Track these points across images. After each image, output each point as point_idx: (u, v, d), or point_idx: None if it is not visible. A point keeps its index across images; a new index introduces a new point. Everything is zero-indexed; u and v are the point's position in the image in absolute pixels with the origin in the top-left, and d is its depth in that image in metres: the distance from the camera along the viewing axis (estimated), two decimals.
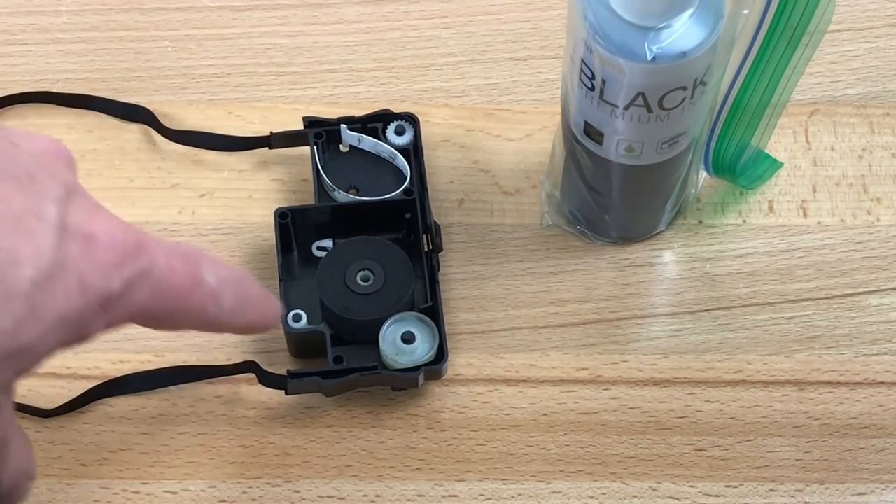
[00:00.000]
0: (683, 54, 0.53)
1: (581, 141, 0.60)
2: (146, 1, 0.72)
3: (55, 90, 0.69)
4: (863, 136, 0.68)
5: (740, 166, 0.63)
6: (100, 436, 0.61)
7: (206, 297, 0.45)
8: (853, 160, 0.68)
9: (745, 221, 0.66)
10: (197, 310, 0.45)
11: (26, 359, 0.40)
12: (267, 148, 0.66)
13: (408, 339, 0.59)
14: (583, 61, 0.56)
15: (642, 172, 0.60)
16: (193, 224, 0.66)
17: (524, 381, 0.62)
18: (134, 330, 0.62)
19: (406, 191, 0.64)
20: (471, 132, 0.68)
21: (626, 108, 0.56)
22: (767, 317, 0.63)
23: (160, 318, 0.44)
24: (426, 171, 0.64)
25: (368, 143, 0.65)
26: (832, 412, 0.61)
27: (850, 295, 0.64)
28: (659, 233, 0.66)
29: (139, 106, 0.68)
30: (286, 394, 0.59)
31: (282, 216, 0.62)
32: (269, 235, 0.64)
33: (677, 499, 0.59)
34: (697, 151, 0.62)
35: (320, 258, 0.62)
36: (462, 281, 0.64)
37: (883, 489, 0.60)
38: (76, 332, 0.41)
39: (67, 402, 0.61)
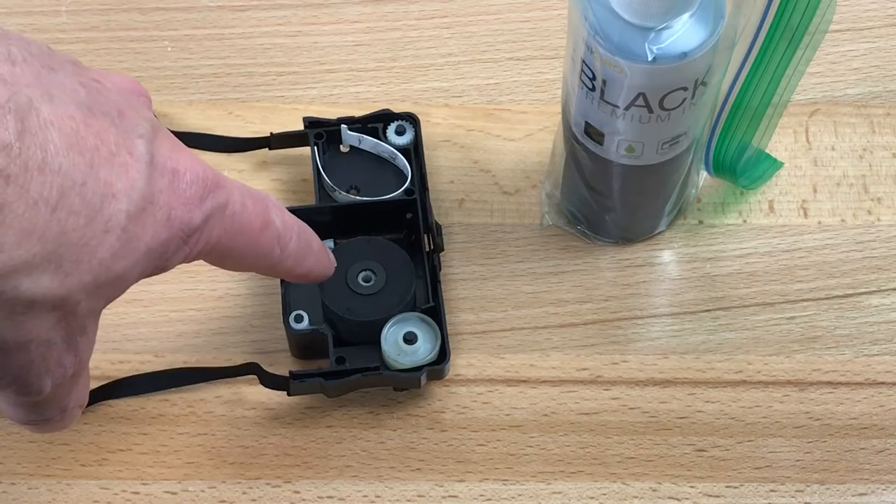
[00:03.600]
0: (684, 55, 0.53)
1: (581, 141, 0.60)
2: (146, 1, 0.72)
3: None
4: (863, 136, 0.68)
5: (741, 166, 0.63)
6: (99, 436, 0.61)
7: (272, 237, 0.48)
8: (854, 160, 0.68)
9: (745, 221, 0.66)
10: (264, 248, 0.48)
11: (117, 287, 0.43)
12: (267, 149, 0.66)
13: (410, 339, 0.59)
14: (583, 61, 0.56)
15: (643, 173, 0.60)
16: None
17: (524, 381, 0.62)
18: (134, 330, 0.63)
19: (407, 191, 0.64)
20: (471, 132, 0.68)
21: (627, 108, 0.56)
22: (768, 317, 0.63)
23: (230, 254, 0.47)
24: (427, 171, 0.64)
25: (369, 143, 0.65)
26: (833, 412, 0.61)
27: (851, 295, 0.64)
28: (659, 233, 0.66)
29: None
30: (288, 395, 0.59)
31: None
32: None
33: (678, 499, 0.59)
34: (698, 151, 0.62)
35: None
36: (462, 281, 0.64)
37: (883, 489, 0.60)
38: (158, 264, 0.44)
39: None
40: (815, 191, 0.67)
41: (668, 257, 0.65)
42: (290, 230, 0.50)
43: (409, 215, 0.63)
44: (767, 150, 0.65)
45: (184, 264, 0.46)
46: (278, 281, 0.61)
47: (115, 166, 0.41)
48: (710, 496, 0.60)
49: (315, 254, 0.53)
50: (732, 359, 0.63)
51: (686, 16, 0.53)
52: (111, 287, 0.42)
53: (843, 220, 0.66)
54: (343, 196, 0.64)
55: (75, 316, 0.42)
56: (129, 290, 0.63)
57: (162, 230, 0.43)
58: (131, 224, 0.42)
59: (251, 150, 0.67)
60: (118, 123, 0.42)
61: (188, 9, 0.72)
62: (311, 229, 0.53)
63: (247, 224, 0.47)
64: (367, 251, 0.61)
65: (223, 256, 0.47)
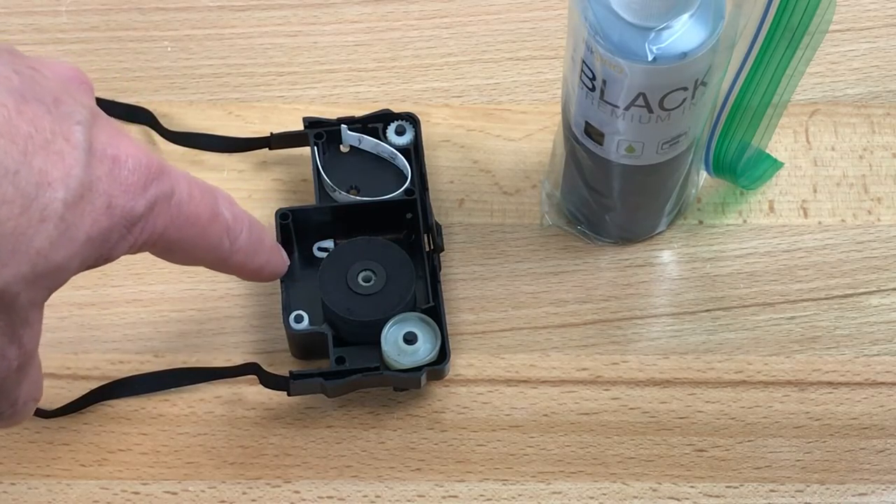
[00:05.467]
0: (684, 55, 0.53)
1: (581, 141, 0.60)
2: (146, 1, 0.72)
3: None
4: (863, 136, 0.68)
5: (741, 166, 0.63)
6: (99, 436, 0.61)
7: (221, 228, 0.47)
8: (854, 160, 0.68)
9: (745, 221, 0.66)
10: (212, 241, 0.47)
11: (57, 278, 0.42)
12: (267, 148, 0.66)
13: (410, 339, 0.59)
14: (583, 62, 0.56)
15: (643, 173, 0.60)
16: None
17: (524, 381, 0.62)
18: (134, 330, 0.63)
19: (407, 191, 0.64)
20: (471, 132, 0.68)
21: (627, 108, 0.56)
22: (768, 317, 0.63)
23: (177, 246, 0.46)
24: (426, 171, 0.64)
25: (369, 143, 0.65)
26: (833, 413, 0.61)
27: (851, 295, 0.64)
28: (659, 233, 0.66)
29: (139, 107, 0.68)
30: (288, 395, 0.59)
31: (283, 217, 0.62)
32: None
33: (678, 499, 0.59)
34: (698, 152, 0.62)
35: (321, 259, 0.62)
36: (462, 281, 0.64)
37: (884, 490, 0.60)
38: (101, 253, 0.43)
39: (68, 404, 0.61)
40: (815, 191, 0.67)
41: (668, 257, 0.65)
42: (240, 223, 0.49)
43: (409, 215, 0.63)
44: (767, 150, 0.65)
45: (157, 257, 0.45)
46: (278, 281, 0.61)
47: (51, 154, 0.40)
48: (710, 496, 0.59)
49: (267, 250, 0.52)
50: (732, 359, 0.63)
51: (686, 16, 0.53)
52: (51, 277, 0.42)
53: (843, 220, 0.66)
54: (343, 196, 0.64)
55: (15, 307, 0.41)
56: (129, 290, 0.64)
57: (102, 219, 0.42)
58: (69, 213, 0.41)
59: (251, 150, 0.67)
60: (54, 111, 0.41)
61: (188, 9, 0.72)
62: (263, 225, 0.51)
63: (194, 214, 0.46)
64: (367, 251, 0.61)
65: (170, 248, 0.46)
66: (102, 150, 0.42)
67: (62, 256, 0.41)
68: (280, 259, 0.54)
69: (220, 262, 0.50)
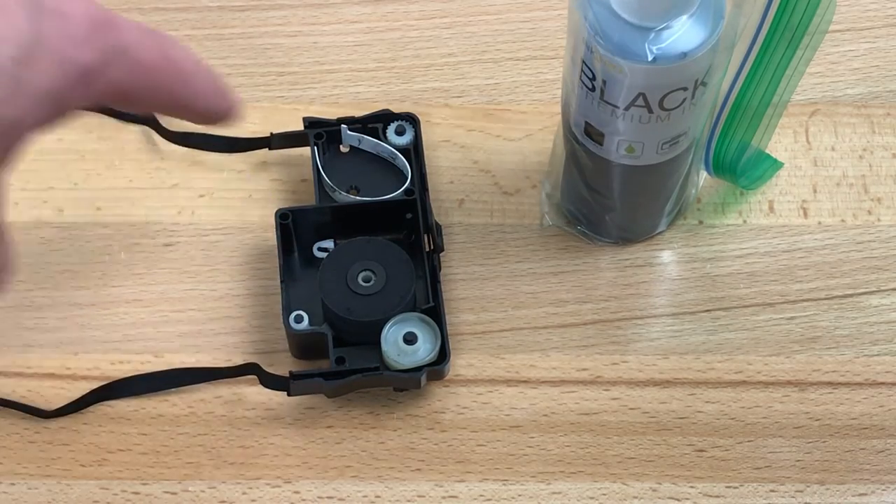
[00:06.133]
0: (684, 55, 0.53)
1: (581, 141, 0.60)
2: (146, 1, 0.72)
3: None
4: (863, 136, 0.68)
5: (741, 166, 0.63)
6: (99, 436, 0.61)
7: (175, 73, 0.47)
8: (854, 160, 0.68)
9: (745, 222, 0.66)
10: (168, 86, 0.47)
11: (12, 136, 0.42)
12: (267, 149, 0.66)
13: (410, 339, 0.59)
14: (583, 62, 0.56)
15: (643, 173, 0.60)
16: (193, 224, 0.66)
17: (524, 381, 0.62)
18: (134, 330, 0.63)
19: (407, 191, 0.64)
20: (471, 132, 0.68)
21: (627, 108, 0.56)
22: (768, 317, 0.63)
23: (135, 95, 0.46)
24: (426, 171, 0.64)
25: (369, 143, 0.65)
26: (833, 413, 0.61)
27: (851, 295, 0.64)
28: (659, 233, 0.66)
29: None
30: (288, 395, 0.59)
31: (283, 217, 0.62)
32: (269, 236, 0.64)
33: (678, 499, 0.59)
34: (698, 152, 0.62)
35: (321, 259, 0.62)
36: (462, 281, 0.64)
37: (883, 490, 0.60)
38: (57, 109, 0.43)
39: (68, 404, 0.61)
40: (815, 191, 0.67)
41: (668, 257, 0.65)
42: (190, 63, 0.48)
43: (409, 215, 0.63)
44: (767, 150, 0.65)
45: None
46: (278, 281, 0.61)
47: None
48: (710, 496, 0.59)
49: (223, 90, 0.50)
50: (732, 359, 0.63)
51: (686, 16, 0.53)
52: (6, 136, 0.42)
53: (843, 221, 0.66)
54: (343, 196, 0.64)
55: None
56: (129, 290, 0.64)
57: (55, 72, 0.42)
58: (19, 69, 0.41)
59: (251, 150, 0.67)
60: None
61: (188, 9, 0.72)
62: (210, 67, 0.49)
63: (149, 61, 0.46)
64: (367, 251, 0.61)
65: (130, 97, 0.46)
66: (49, 5, 0.42)
67: (14, 113, 0.41)
68: (232, 97, 0.51)
69: (178, 105, 0.49)
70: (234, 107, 0.51)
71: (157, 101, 0.48)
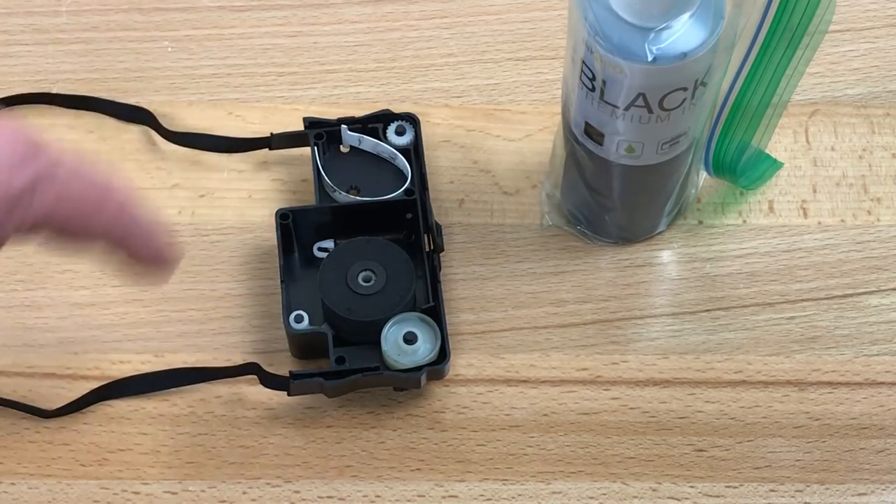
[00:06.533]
0: (684, 55, 0.53)
1: (581, 141, 0.60)
2: (146, 1, 0.72)
3: (55, 90, 0.69)
4: (863, 136, 0.68)
5: (741, 166, 0.63)
6: (99, 436, 0.61)
7: (111, 210, 0.46)
8: (853, 160, 0.68)
9: (745, 222, 0.66)
10: (102, 222, 0.46)
11: None
12: (267, 149, 0.66)
13: (410, 339, 0.59)
14: (583, 62, 0.56)
15: (643, 173, 0.60)
16: (193, 224, 0.66)
17: (524, 381, 0.62)
18: (134, 330, 0.63)
19: (407, 191, 0.64)
20: (471, 132, 0.68)
21: (627, 108, 0.56)
22: (768, 317, 0.63)
23: (67, 226, 0.45)
24: (426, 171, 0.64)
25: (369, 143, 0.65)
26: (832, 412, 0.61)
27: (851, 295, 0.64)
28: (659, 233, 0.66)
29: (139, 107, 0.68)
30: (288, 395, 0.59)
31: (283, 217, 0.62)
32: (270, 236, 0.64)
33: (677, 499, 0.59)
34: (698, 152, 0.62)
35: (322, 259, 0.62)
36: (462, 281, 0.64)
37: (883, 489, 0.60)
38: None
39: (68, 404, 0.61)
40: (814, 191, 0.67)
41: (667, 257, 0.65)
42: (131, 202, 0.47)
43: (409, 215, 0.63)
44: (767, 150, 0.65)
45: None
46: (278, 281, 0.61)
47: None
48: (710, 496, 0.60)
49: (161, 233, 0.49)
50: (732, 359, 0.63)
51: (686, 16, 0.53)
52: None
53: (842, 221, 0.66)
54: (343, 196, 0.64)
55: None
56: (129, 290, 0.64)
57: None
58: None
59: (251, 150, 0.67)
60: None
61: (188, 9, 0.72)
62: (148, 210, 0.49)
63: (81, 192, 0.45)
64: (367, 251, 0.61)
65: (62, 227, 0.45)
66: None
67: None
68: (173, 246, 0.50)
69: (116, 243, 0.48)
70: (164, 251, 0.49)
71: (89, 234, 0.46)
